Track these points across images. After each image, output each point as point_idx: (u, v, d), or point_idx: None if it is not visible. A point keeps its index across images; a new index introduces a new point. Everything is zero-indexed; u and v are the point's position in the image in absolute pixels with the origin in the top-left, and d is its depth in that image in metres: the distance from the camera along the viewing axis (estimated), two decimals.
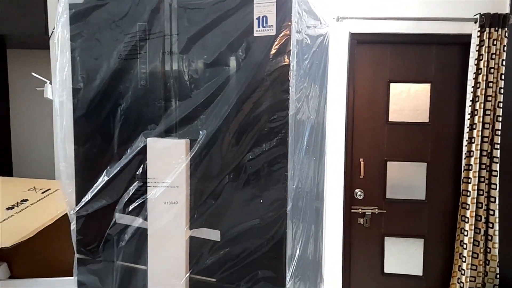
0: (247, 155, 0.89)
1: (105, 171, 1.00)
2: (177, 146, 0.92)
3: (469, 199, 2.45)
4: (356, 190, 2.70)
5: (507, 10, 2.38)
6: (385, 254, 2.73)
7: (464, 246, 2.48)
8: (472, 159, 2.42)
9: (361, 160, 2.68)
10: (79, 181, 1.05)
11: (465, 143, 2.46)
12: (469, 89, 2.42)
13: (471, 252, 2.49)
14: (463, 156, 2.48)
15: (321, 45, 1.18)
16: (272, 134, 0.87)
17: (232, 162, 0.90)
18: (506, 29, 2.34)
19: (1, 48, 2.55)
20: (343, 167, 2.63)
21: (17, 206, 1.51)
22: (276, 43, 0.84)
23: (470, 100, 2.42)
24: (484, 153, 2.43)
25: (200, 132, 0.91)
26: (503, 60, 2.35)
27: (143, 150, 0.96)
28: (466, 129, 2.45)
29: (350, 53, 2.56)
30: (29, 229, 1.29)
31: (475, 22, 2.38)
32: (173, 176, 0.93)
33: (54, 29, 2.04)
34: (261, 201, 0.89)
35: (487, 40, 2.35)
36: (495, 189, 2.42)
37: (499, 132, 2.38)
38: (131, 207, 0.99)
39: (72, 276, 1.10)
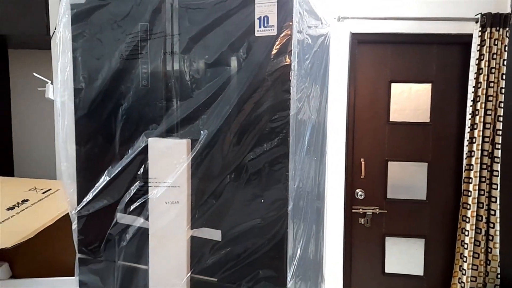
0: (248, 155, 0.89)
1: (106, 171, 1.01)
2: (179, 146, 0.93)
3: (470, 199, 2.45)
4: (357, 190, 2.70)
5: (508, 10, 2.38)
6: (386, 254, 2.73)
7: (465, 246, 2.48)
8: (473, 159, 2.42)
9: (362, 160, 2.68)
10: (81, 181, 1.05)
11: (466, 143, 2.46)
12: (470, 89, 2.42)
13: (472, 252, 2.49)
14: (464, 156, 2.47)
15: (322, 45, 1.18)
16: (273, 134, 0.87)
17: (233, 162, 0.90)
18: (507, 29, 2.33)
19: (2, 48, 2.55)
20: (344, 167, 2.63)
21: (18, 207, 1.51)
22: (277, 43, 0.84)
23: (471, 100, 2.42)
24: (485, 153, 2.43)
25: (201, 132, 0.91)
26: (504, 60, 2.35)
27: (145, 150, 0.96)
28: (467, 129, 2.45)
29: (351, 53, 2.56)
30: (29, 230, 1.29)
31: (476, 22, 2.38)
32: (174, 176, 0.93)
33: (55, 29, 2.04)
34: (262, 201, 0.89)
35: (488, 40, 2.34)
36: (496, 189, 2.42)
37: (500, 132, 2.38)
38: (132, 207, 0.99)
39: (73, 276, 1.10)
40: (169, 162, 0.93)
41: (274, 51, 0.84)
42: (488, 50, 2.35)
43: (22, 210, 1.48)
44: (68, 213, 1.14)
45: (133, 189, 0.98)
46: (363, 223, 2.71)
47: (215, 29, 0.89)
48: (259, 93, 0.86)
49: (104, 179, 1.00)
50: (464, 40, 2.47)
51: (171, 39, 0.93)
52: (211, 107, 0.90)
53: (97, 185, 1.01)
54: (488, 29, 2.34)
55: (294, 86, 0.86)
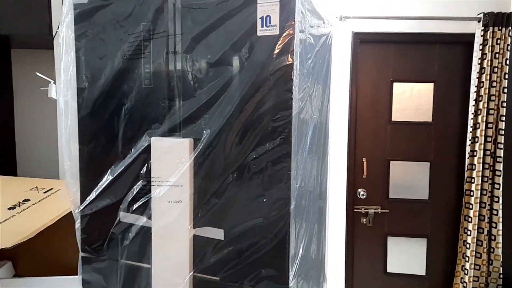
0: (250, 154, 0.89)
1: (109, 170, 1.01)
2: (181, 145, 0.93)
3: (472, 198, 2.44)
4: (359, 190, 2.70)
5: (511, 9, 2.37)
6: (388, 254, 2.73)
7: (467, 245, 2.48)
8: (476, 158, 2.42)
9: (364, 159, 2.68)
10: (84, 180, 1.05)
11: (468, 142, 2.46)
12: (473, 88, 2.42)
13: (474, 252, 2.48)
14: (467, 155, 2.47)
15: (324, 45, 1.18)
16: (275, 133, 0.87)
17: (235, 161, 0.90)
18: (509, 28, 2.33)
19: (5, 48, 2.56)
20: (346, 167, 2.63)
21: (19, 206, 1.51)
22: (279, 42, 0.84)
23: (474, 100, 2.41)
24: (488, 152, 2.42)
25: (204, 131, 0.91)
26: (506, 59, 2.34)
27: (147, 149, 0.96)
28: (469, 129, 2.44)
29: (353, 52, 2.56)
30: (30, 230, 1.29)
31: (479, 21, 2.38)
32: (177, 175, 0.93)
33: (58, 29, 2.05)
34: (265, 200, 0.89)
35: (490, 39, 2.34)
36: (499, 188, 2.42)
37: (502, 132, 2.38)
38: (135, 206, 0.99)
39: (76, 274, 1.11)
40: (171, 161, 0.93)
41: (276, 51, 0.84)
42: (490, 50, 2.35)
43: (23, 209, 1.48)
44: (70, 212, 1.14)
45: (136, 188, 0.99)
46: (365, 222, 2.71)
47: (217, 28, 0.89)
48: (261, 93, 0.87)
49: (107, 178, 1.01)
50: (467, 40, 2.46)
51: (173, 38, 0.93)
52: (213, 107, 0.90)
53: (100, 184, 1.02)
54: (491, 28, 2.33)
55: (296, 86, 0.86)
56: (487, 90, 2.37)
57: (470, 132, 2.44)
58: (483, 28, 2.36)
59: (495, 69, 2.36)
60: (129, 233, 1.01)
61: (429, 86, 2.62)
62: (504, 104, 2.36)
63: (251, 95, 0.87)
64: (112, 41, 0.98)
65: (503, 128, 2.37)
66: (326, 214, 1.50)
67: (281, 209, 0.88)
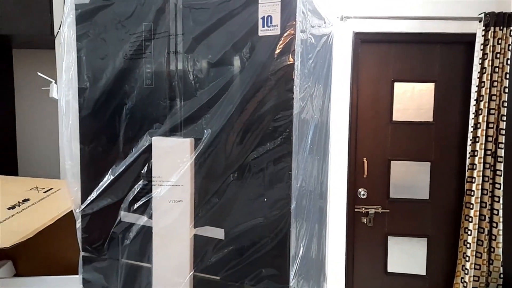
0: (251, 154, 0.89)
1: (110, 169, 1.01)
2: (182, 145, 0.93)
3: (473, 198, 2.44)
4: (360, 190, 2.70)
5: None
6: (388, 254, 2.73)
7: (468, 245, 2.48)
8: (476, 158, 2.42)
9: (364, 159, 2.68)
10: (85, 180, 1.06)
11: (469, 142, 2.45)
12: (474, 88, 2.42)
13: (474, 252, 2.48)
14: (467, 155, 2.47)
15: (325, 45, 1.18)
16: (276, 133, 0.87)
17: (236, 161, 0.90)
18: (511, 28, 2.33)
19: (6, 48, 2.56)
20: (346, 166, 2.63)
21: (18, 206, 1.51)
22: (280, 42, 0.84)
23: (475, 100, 2.41)
24: (488, 152, 2.42)
25: (205, 131, 0.91)
26: (507, 59, 2.34)
27: (148, 149, 0.96)
28: (470, 129, 2.44)
29: (354, 52, 2.56)
30: (29, 229, 1.29)
31: (480, 21, 2.37)
32: (177, 175, 0.93)
33: (59, 29, 2.05)
34: (265, 199, 0.89)
35: (491, 39, 2.34)
36: (499, 188, 2.41)
37: (503, 132, 2.37)
38: (136, 206, 0.99)
39: (77, 274, 1.11)
40: (172, 161, 0.93)
41: (277, 51, 0.84)
42: (491, 49, 2.34)
43: (23, 209, 1.48)
44: (70, 211, 1.14)
45: (137, 188, 0.99)
46: (365, 222, 2.71)
47: (218, 28, 0.89)
48: (262, 93, 0.87)
49: (108, 178, 1.01)
50: (468, 40, 2.46)
51: (174, 38, 0.93)
52: (214, 107, 0.90)
53: (101, 183, 1.02)
54: (492, 28, 2.33)
55: (297, 86, 0.86)
56: (488, 90, 2.37)
57: (471, 132, 2.44)
58: (484, 28, 2.36)
59: (496, 69, 2.35)
60: (130, 233, 1.01)
61: (430, 86, 2.62)
62: (505, 104, 2.36)
63: (252, 95, 0.87)
64: (113, 41, 0.98)
65: (504, 128, 2.37)
66: (327, 214, 1.50)
67: (281, 209, 0.88)
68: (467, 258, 2.48)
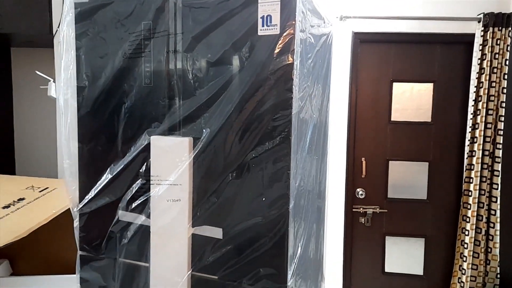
0: (250, 153, 0.89)
1: (108, 168, 1.01)
2: (181, 144, 0.93)
3: (470, 198, 2.45)
4: (358, 189, 2.70)
5: (511, 10, 2.37)
6: (386, 253, 2.74)
7: (465, 245, 2.48)
8: (474, 159, 2.42)
9: (363, 159, 2.68)
10: (83, 179, 1.05)
11: (467, 142, 2.46)
12: (472, 88, 2.42)
13: (472, 252, 2.49)
14: (465, 155, 2.48)
15: (325, 44, 1.18)
16: (275, 132, 0.87)
17: (235, 160, 0.90)
18: (509, 28, 2.33)
19: (5, 47, 2.56)
20: (345, 166, 2.64)
21: (13, 205, 1.50)
22: (280, 42, 0.84)
23: (473, 100, 2.42)
24: (486, 153, 2.43)
25: (204, 130, 0.91)
26: (506, 59, 2.34)
27: (147, 148, 0.96)
28: (468, 129, 2.45)
29: (353, 52, 2.56)
30: (23, 229, 1.29)
31: (479, 22, 2.38)
32: (176, 174, 0.93)
33: (58, 27, 2.05)
34: (264, 199, 0.89)
35: (490, 39, 2.34)
36: (497, 189, 2.42)
37: (501, 132, 2.38)
38: (134, 205, 0.99)
39: (74, 273, 1.11)
40: (171, 160, 0.93)
41: (276, 50, 0.84)
42: (490, 50, 2.35)
43: (18, 208, 1.48)
44: (68, 210, 1.14)
45: (135, 187, 0.99)
46: (363, 222, 2.72)
47: (218, 28, 0.89)
48: (261, 92, 0.87)
49: (106, 177, 1.01)
50: (467, 40, 2.47)
51: (174, 38, 0.93)
52: (213, 106, 0.90)
53: (99, 182, 1.02)
54: (491, 28, 2.34)
55: (297, 85, 0.86)
56: (486, 91, 2.37)
57: (469, 132, 2.45)
58: (483, 28, 2.36)
59: (495, 70, 2.36)
60: (128, 232, 1.01)
61: (429, 86, 2.62)
62: (503, 105, 2.36)
63: (251, 95, 0.87)
64: (112, 40, 0.98)
65: (502, 128, 2.38)
66: (325, 214, 1.50)
67: (280, 208, 0.88)
68: (464, 258, 2.49)
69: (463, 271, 2.50)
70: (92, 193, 1.03)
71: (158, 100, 0.96)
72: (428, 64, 2.60)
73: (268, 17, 0.84)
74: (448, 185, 2.65)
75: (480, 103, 2.38)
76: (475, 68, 2.40)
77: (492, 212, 2.45)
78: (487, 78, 2.36)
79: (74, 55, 1.02)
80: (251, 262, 0.92)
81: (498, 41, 2.34)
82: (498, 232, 2.44)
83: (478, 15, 2.39)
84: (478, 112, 2.40)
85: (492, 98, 2.38)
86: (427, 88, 2.62)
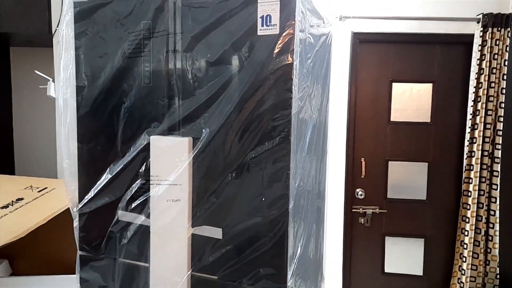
0: (249, 153, 0.89)
1: (108, 168, 1.01)
2: (180, 144, 0.93)
3: (470, 199, 2.45)
4: (357, 190, 2.70)
5: (510, 10, 2.38)
6: (385, 254, 2.74)
7: (465, 246, 2.48)
8: (474, 159, 2.42)
9: (362, 159, 2.68)
10: (82, 179, 1.05)
11: (466, 143, 2.46)
12: (471, 89, 2.42)
13: (471, 252, 2.49)
14: (465, 156, 2.48)
15: (324, 44, 1.18)
16: (274, 132, 0.87)
17: (234, 160, 0.90)
18: (508, 29, 2.34)
19: (4, 46, 2.56)
20: (344, 167, 2.64)
21: (12, 205, 1.50)
22: (279, 42, 0.84)
23: (472, 100, 2.42)
24: (486, 153, 2.43)
25: (203, 130, 0.91)
26: (505, 60, 2.35)
27: (146, 148, 0.96)
28: (467, 129, 2.45)
29: (353, 52, 2.56)
30: (21, 229, 1.29)
31: (478, 22, 2.38)
32: (175, 174, 0.93)
33: (57, 27, 2.05)
34: (263, 199, 0.89)
35: (489, 40, 2.34)
36: (496, 189, 2.42)
37: (500, 133, 2.38)
38: (133, 205, 0.99)
39: (73, 273, 1.11)
40: (170, 160, 0.93)
41: (276, 50, 0.84)
42: (489, 50, 2.35)
43: (16, 208, 1.48)
44: (67, 210, 1.14)
45: (135, 187, 0.99)
46: (363, 222, 2.72)
47: (217, 27, 0.89)
48: (261, 92, 0.87)
49: (105, 177, 1.01)
50: (466, 40, 2.47)
51: (173, 37, 0.93)
52: (213, 106, 0.90)
53: (98, 182, 1.02)
54: (490, 29, 2.34)
55: (296, 85, 0.86)
56: (485, 91, 2.37)
57: (468, 132, 2.45)
58: (482, 29, 2.36)
59: (494, 70, 2.36)
60: (128, 232, 1.01)
61: (428, 87, 2.62)
62: (503, 105, 2.37)
63: (251, 94, 0.87)
64: (112, 39, 0.98)
65: (501, 129, 2.38)
66: (325, 214, 1.50)
67: (279, 208, 0.88)
68: (464, 259, 2.49)
69: (463, 272, 2.50)
70: (91, 193, 1.03)
71: (157, 100, 0.96)
72: (427, 65, 2.60)
73: (268, 17, 0.84)
74: (447, 186, 2.65)
75: (480, 104, 2.38)
76: (474, 69, 2.40)
77: (492, 212, 2.45)
78: (486, 78, 2.36)
79: (73, 54, 1.02)
80: (251, 262, 0.92)
81: (497, 41, 2.34)
82: (497, 233, 2.44)
83: (477, 15, 2.39)
84: (477, 113, 2.40)
85: (491, 98, 2.38)
86: (426, 89, 2.62)
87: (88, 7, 1.00)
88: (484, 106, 2.38)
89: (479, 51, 2.38)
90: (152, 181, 0.96)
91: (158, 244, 0.97)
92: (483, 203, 2.46)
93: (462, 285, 2.52)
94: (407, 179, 2.69)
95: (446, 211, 2.66)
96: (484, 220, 2.46)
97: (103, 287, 1.07)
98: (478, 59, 2.38)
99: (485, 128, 2.41)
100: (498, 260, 2.46)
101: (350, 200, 2.69)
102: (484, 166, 2.44)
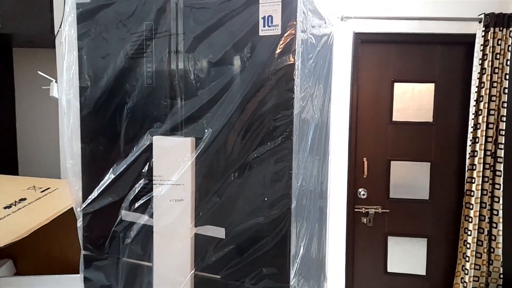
0: (252, 153, 0.89)
1: (111, 168, 1.01)
2: (183, 144, 0.93)
3: (472, 199, 2.45)
4: (360, 190, 2.70)
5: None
6: (388, 254, 2.73)
7: (468, 245, 2.48)
8: (476, 159, 2.42)
9: (364, 159, 2.68)
10: (86, 179, 1.06)
11: (469, 143, 2.46)
12: (473, 89, 2.42)
13: (474, 252, 2.49)
14: (467, 156, 2.47)
15: (326, 45, 1.19)
16: (276, 132, 0.87)
17: (237, 160, 0.91)
18: (510, 29, 2.33)
19: (7, 47, 2.57)
20: (346, 166, 2.64)
21: (15, 205, 1.51)
22: (281, 42, 0.84)
23: (474, 100, 2.42)
24: (488, 153, 2.43)
25: (206, 130, 0.92)
26: (507, 60, 2.34)
27: (149, 148, 0.97)
28: (470, 129, 2.45)
29: (354, 52, 2.56)
30: (24, 229, 1.29)
31: (480, 22, 2.38)
32: (178, 174, 0.93)
33: (60, 28, 2.06)
34: (266, 199, 0.90)
35: (491, 40, 2.34)
36: (499, 189, 2.42)
37: (503, 132, 2.38)
38: (137, 205, 1.00)
39: (77, 273, 1.11)
40: (173, 160, 0.94)
41: (278, 51, 0.85)
42: (491, 50, 2.35)
43: (19, 208, 1.49)
44: (70, 210, 1.15)
45: (138, 187, 0.99)
46: (365, 222, 2.71)
47: (219, 28, 0.89)
48: (263, 92, 0.87)
49: (109, 177, 1.01)
50: (468, 40, 2.46)
51: (175, 38, 0.93)
52: (215, 106, 0.91)
53: (102, 182, 1.02)
54: (492, 29, 2.34)
55: (298, 85, 0.86)
56: (487, 91, 2.37)
57: (471, 132, 2.44)
58: (484, 28, 2.36)
59: (496, 70, 2.36)
60: (131, 232, 1.02)
61: (430, 87, 2.62)
62: (505, 105, 2.36)
63: (253, 95, 0.87)
64: (114, 40, 0.99)
65: (504, 128, 2.37)
66: (327, 214, 1.50)
67: (282, 208, 0.89)
68: (467, 259, 2.49)
69: (466, 271, 2.50)
70: (95, 193, 1.03)
71: (160, 100, 0.96)
72: (429, 64, 2.59)
73: (269, 17, 0.84)
74: (450, 185, 2.65)
75: (482, 103, 2.37)
76: (476, 69, 2.40)
77: (495, 212, 2.44)
78: (489, 78, 2.36)
79: (76, 55, 1.03)
80: (253, 261, 0.92)
81: (499, 41, 2.34)
82: (500, 232, 2.43)
83: (479, 15, 2.39)
84: (479, 112, 2.40)
85: (493, 98, 2.38)
86: (428, 88, 2.62)
87: (90, 8, 1.00)
88: (486, 106, 2.38)
89: (481, 51, 2.38)
90: (155, 181, 0.96)
91: (161, 244, 0.98)
92: (486, 203, 2.45)
93: (465, 285, 2.51)
94: (410, 179, 2.68)
95: (449, 211, 2.66)
96: (487, 219, 2.46)
97: (107, 287, 1.07)
98: (480, 59, 2.38)
99: (487, 127, 2.41)
100: (501, 260, 2.46)
101: (352, 200, 2.69)
102: (487, 166, 2.43)
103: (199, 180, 0.94)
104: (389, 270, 2.75)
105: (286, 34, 0.84)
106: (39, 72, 2.05)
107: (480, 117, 2.39)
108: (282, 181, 0.88)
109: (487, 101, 2.38)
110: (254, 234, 0.91)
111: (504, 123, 2.37)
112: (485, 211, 2.45)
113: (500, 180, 2.41)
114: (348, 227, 2.67)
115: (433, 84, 2.61)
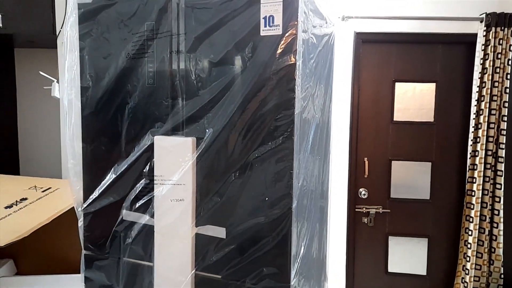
0: (253, 153, 0.89)
1: (112, 168, 1.02)
2: (184, 144, 0.93)
3: (473, 198, 2.44)
4: (361, 189, 2.70)
5: None
6: (389, 253, 2.73)
7: (469, 245, 2.48)
8: (477, 158, 2.42)
9: (365, 159, 2.68)
10: (87, 179, 1.06)
11: (470, 142, 2.45)
12: (475, 88, 2.41)
13: (475, 252, 2.48)
14: (468, 155, 2.47)
15: (327, 44, 1.19)
16: (277, 132, 0.87)
17: (238, 160, 0.91)
18: None
19: (8, 47, 2.57)
20: (347, 166, 2.63)
21: (16, 205, 1.51)
22: (282, 42, 0.84)
23: (476, 100, 2.41)
24: (489, 152, 2.42)
25: (207, 130, 0.92)
26: (509, 59, 2.34)
27: (150, 148, 0.97)
28: (471, 129, 2.44)
29: (355, 52, 2.56)
30: (25, 229, 1.30)
31: (481, 22, 2.37)
32: (179, 174, 0.94)
33: (61, 28, 2.06)
34: (267, 198, 0.90)
35: (493, 39, 2.34)
36: (500, 188, 2.41)
37: (504, 132, 2.37)
38: (138, 204, 1.00)
39: (78, 273, 1.11)
40: (174, 160, 0.94)
41: (279, 50, 0.85)
42: (492, 50, 2.34)
43: (20, 208, 1.49)
44: (71, 210, 1.15)
45: (139, 187, 0.99)
46: (366, 222, 2.71)
47: (220, 28, 0.89)
48: (264, 92, 0.87)
49: (110, 177, 1.02)
50: (469, 40, 2.46)
51: (177, 38, 0.94)
52: (216, 106, 0.91)
53: (103, 182, 1.02)
54: (493, 28, 2.33)
55: (299, 85, 0.86)
56: (489, 91, 2.37)
57: (472, 132, 2.44)
58: (485, 28, 2.35)
59: (497, 69, 2.35)
60: (132, 231, 1.02)
61: (431, 86, 2.62)
62: (506, 105, 2.36)
63: (254, 95, 0.88)
64: (116, 40, 0.99)
65: (505, 128, 2.37)
66: (328, 213, 1.50)
67: (283, 208, 0.89)
68: (468, 258, 2.48)
69: (467, 271, 2.50)
70: (96, 193, 1.04)
71: (161, 100, 0.97)
72: (430, 64, 2.59)
73: (271, 17, 0.84)
74: (451, 185, 2.64)
75: (483, 103, 2.37)
76: (477, 68, 2.39)
77: (496, 212, 2.44)
78: (490, 78, 2.36)
79: (77, 55, 1.03)
80: (254, 261, 0.92)
81: (501, 41, 2.34)
82: (501, 232, 2.43)
83: (480, 15, 2.38)
84: (480, 112, 2.39)
85: (495, 98, 2.38)
86: (429, 88, 2.62)
87: (92, 8, 1.00)
88: (487, 106, 2.38)
89: (482, 50, 2.37)
90: (156, 181, 0.96)
91: (162, 244, 0.98)
92: (487, 203, 2.45)
93: (466, 285, 2.51)
94: (411, 178, 2.68)
95: (450, 211, 2.65)
96: (488, 219, 2.46)
97: (108, 286, 1.08)
98: (481, 59, 2.38)
99: (488, 127, 2.41)
100: (502, 260, 2.46)
101: (353, 199, 2.69)
102: (488, 166, 2.43)
103: (200, 180, 0.95)
104: (389, 270, 2.75)
105: (287, 34, 0.84)
106: (41, 72, 2.06)
107: (481, 117, 2.39)
108: (283, 181, 0.88)
109: (488, 100, 2.37)
110: (255, 234, 0.91)
111: (505, 123, 2.36)
112: (486, 211, 2.45)
113: (501, 180, 2.41)
114: (348, 227, 2.67)
115: (434, 84, 2.61)
